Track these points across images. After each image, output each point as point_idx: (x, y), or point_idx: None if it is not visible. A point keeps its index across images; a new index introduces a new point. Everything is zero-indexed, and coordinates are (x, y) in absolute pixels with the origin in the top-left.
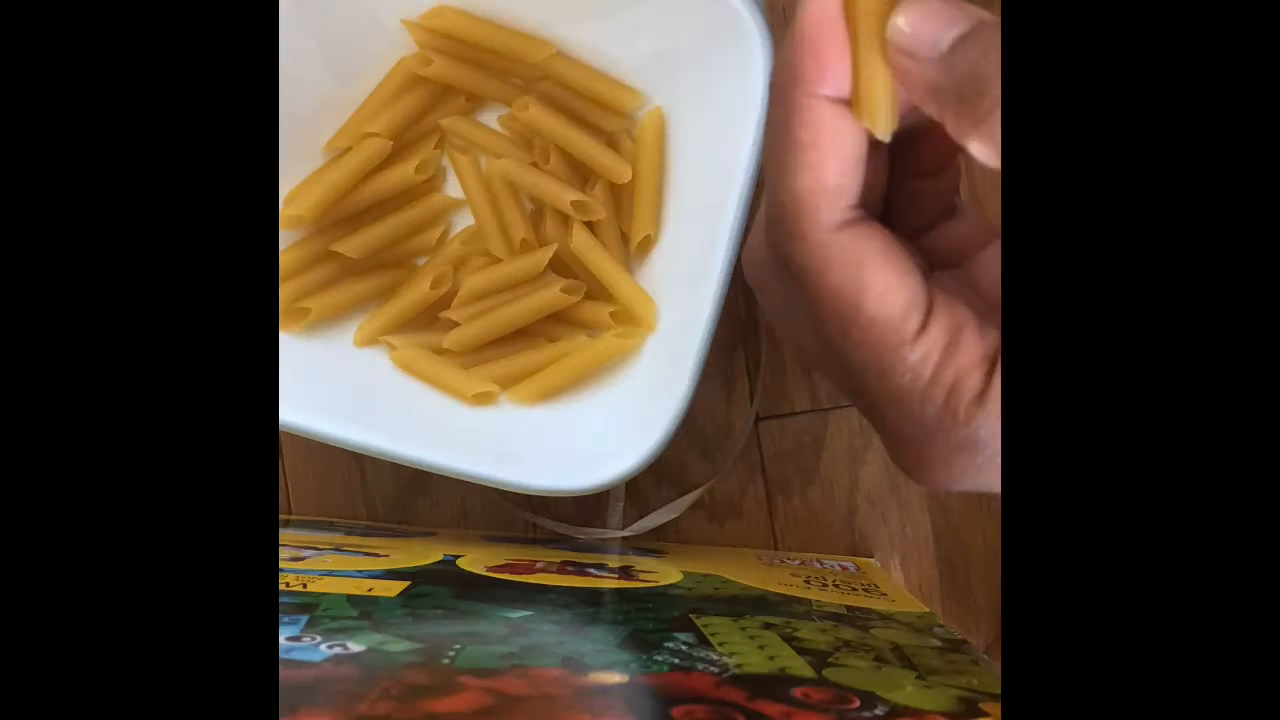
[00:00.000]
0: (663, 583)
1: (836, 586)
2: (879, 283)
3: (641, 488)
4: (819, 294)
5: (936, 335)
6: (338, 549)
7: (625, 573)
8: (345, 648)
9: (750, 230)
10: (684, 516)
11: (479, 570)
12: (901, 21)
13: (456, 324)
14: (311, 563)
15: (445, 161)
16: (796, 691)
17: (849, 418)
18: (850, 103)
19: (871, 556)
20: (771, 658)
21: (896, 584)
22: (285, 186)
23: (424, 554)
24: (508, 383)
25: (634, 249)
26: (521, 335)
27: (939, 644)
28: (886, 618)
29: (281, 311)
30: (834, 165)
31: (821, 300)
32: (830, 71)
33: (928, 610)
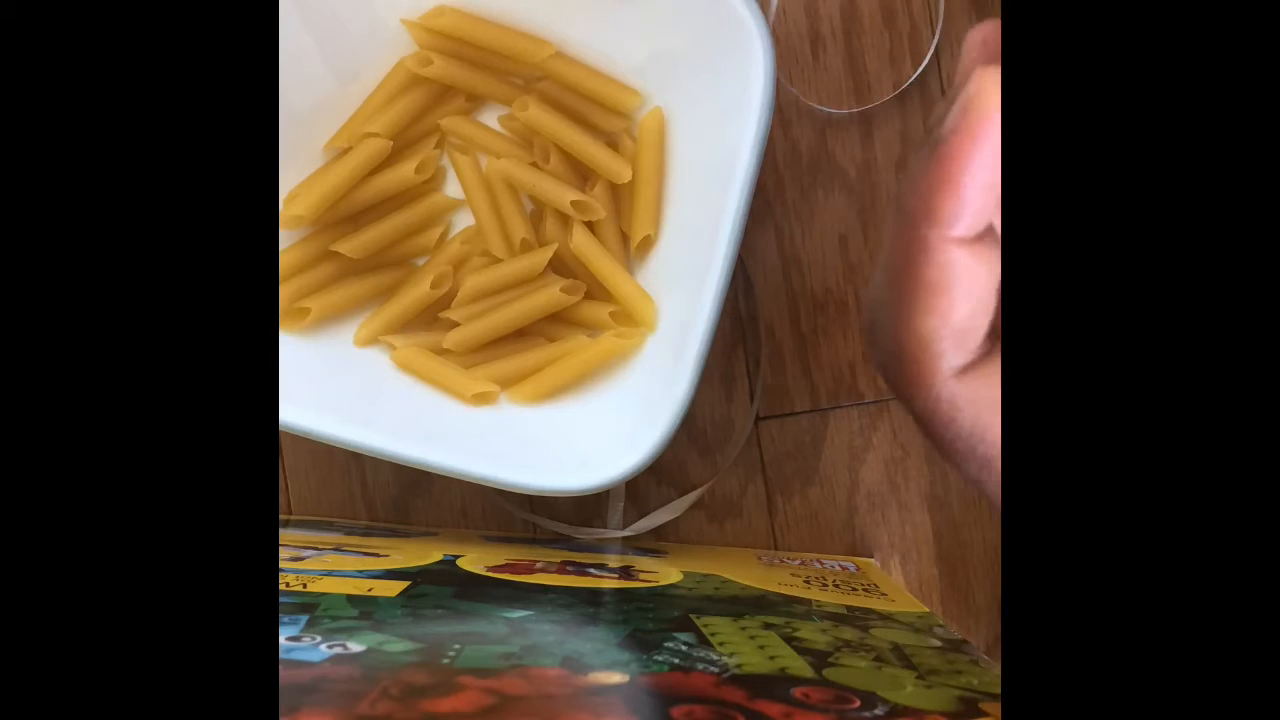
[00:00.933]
0: (663, 583)
1: (836, 586)
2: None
3: (641, 488)
4: (948, 436)
5: None
6: (338, 549)
7: (625, 573)
8: (345, 648)
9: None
10: (684, 516)
11: (479, 570)
12: None
13: (456, 324)
14: (311, 563)
15: (445, 161)
16: (796, 691)
17: (849, 418)
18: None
19: (871, 556)
20: (771, 658)
21: (896, 584)
22: (285, 186)
23: (424, 554)
24: (508, 383)
25: (634, 249)
26: (521, 335)
27: (939, 644)
28: (886, 618)
29: (281, 311)
30: (964, 307)
31: (954, 441)
32: (967, 212)
33: (928, 610)
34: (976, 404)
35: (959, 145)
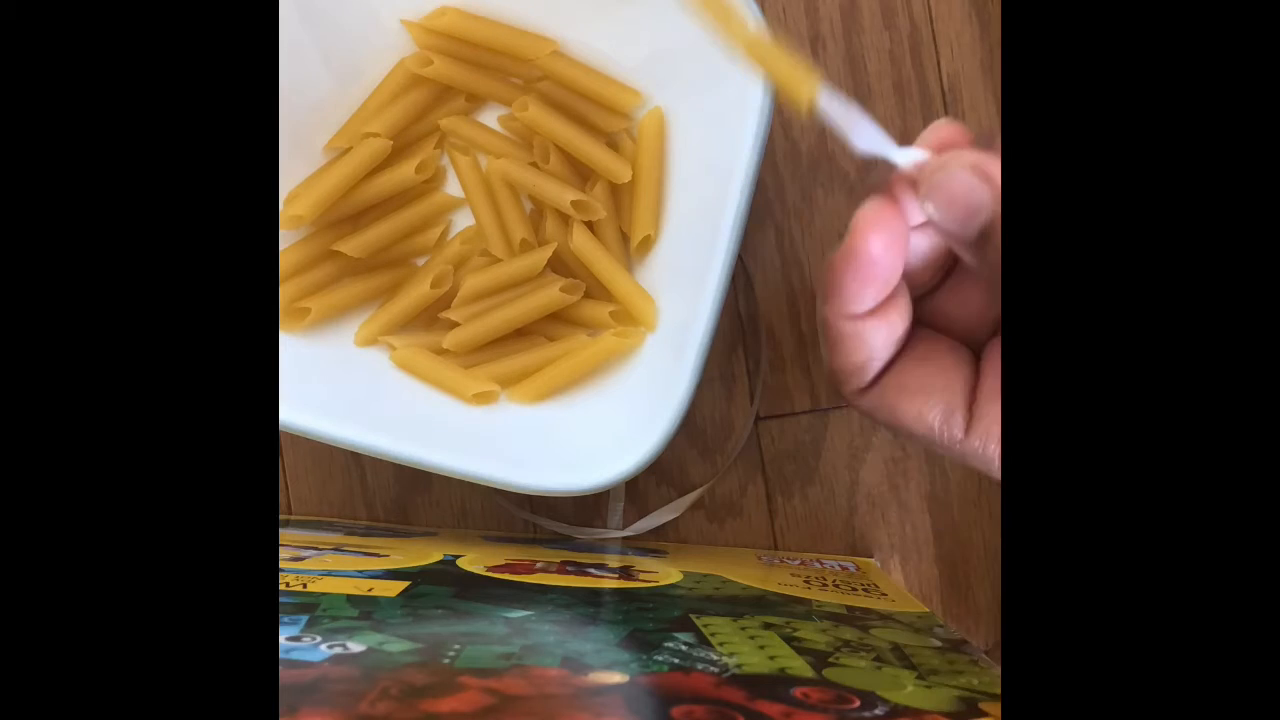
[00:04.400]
0: (663, 583)
1: (836, 586)
2: (910, 414)
3: (641, 488)
4: (877, 421)
5: (986, 424)
6: (338, 549)
7: (625, 573)
8: (345, 648)
9: None
10: (684, 516)
11: (479, 570)
12: (929, 208)
13: (456, 324)
14: (311, 563)
15: (445, 161)
16: (796, 691)
17: (849, 418)
18: (872, 314)
19: (871, 556)
20: (771, 658)
21: (896, 584)
22: (285, 186)
23: (424, 554)
24: (508, 382)
25: (634, 249)
26: (521, 335)
27: (939, 644)
28: (886, 618)
29: (281, 311)
30: (858, 354)
31: (881, 424)
32: (852, 299)
33: (928, 610)
34: (880, 407)
35: (840, 253)
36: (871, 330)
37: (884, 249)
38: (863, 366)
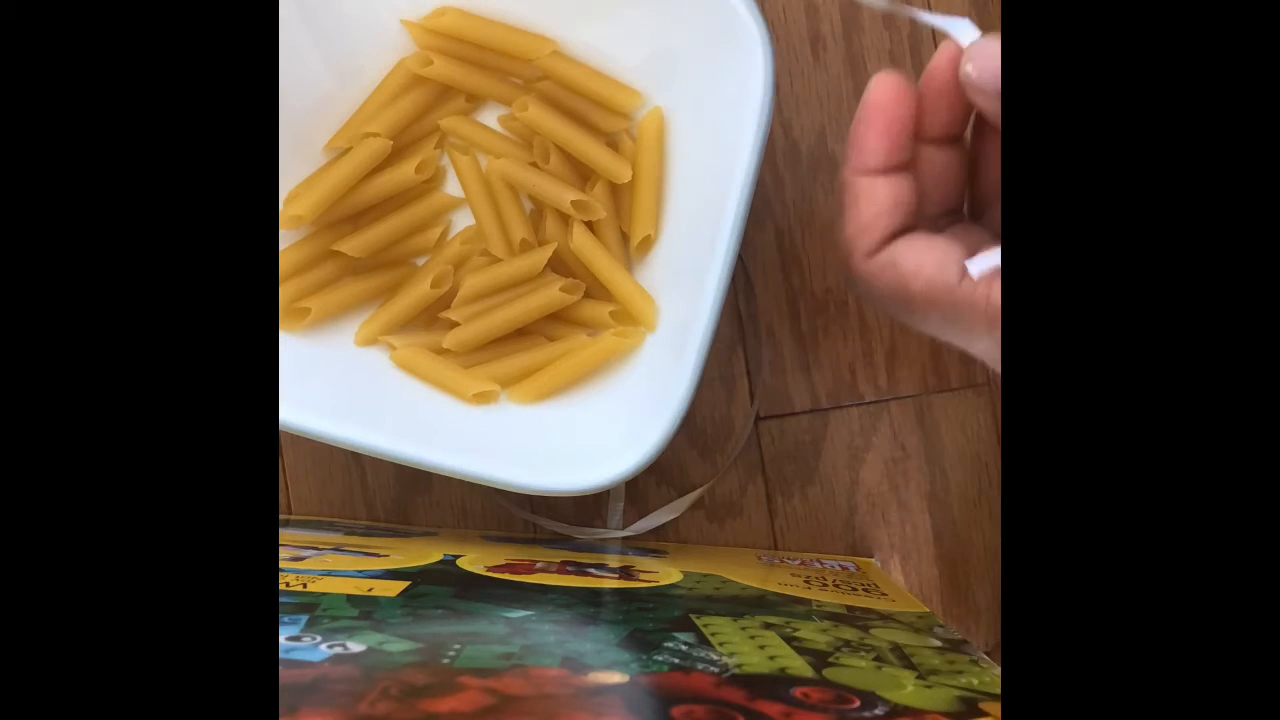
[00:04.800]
0: (663, 583)
1: (836, 586)
2: (910, 264)
3: (641, 488)
4: (879, 295)
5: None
6: (338, 549)
7: (625, 573)
8: (345, 648)
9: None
10: (684, 516)
11: (479, 570)
12: (969, 68)
13: (456, 324)
14: (311, 563)
15: (445, 161)
16: (796, 691)
17: (849, 418)
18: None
19: (871, 556)
20: (771, 658)
21: (896, 584)
22: (285, 186)
23: (424, 554)
24: (508, 382)
25: (634, 249)
26: (521, 335)
27: (939, 644)
28: (886, 618)
29: (281, 311)
30: (868, 209)
31: (882, 298)
32: (869, 152)
33: (928, 610)
34: (882, 265)
35: (858, 114)
36: (882, 184)
37: (892, 97)
38: (870, 225)
